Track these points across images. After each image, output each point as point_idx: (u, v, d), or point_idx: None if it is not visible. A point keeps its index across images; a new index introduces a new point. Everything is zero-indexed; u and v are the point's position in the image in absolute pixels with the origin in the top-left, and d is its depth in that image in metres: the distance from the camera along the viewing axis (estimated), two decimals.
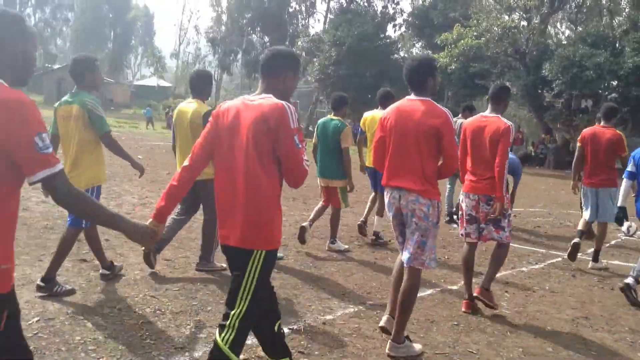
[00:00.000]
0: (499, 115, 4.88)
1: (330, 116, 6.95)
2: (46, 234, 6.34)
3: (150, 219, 2.81)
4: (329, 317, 4.50)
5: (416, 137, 3.73)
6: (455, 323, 4.63)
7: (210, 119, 2.90)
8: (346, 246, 6.97)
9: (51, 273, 4.46)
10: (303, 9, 53.32)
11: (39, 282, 4.45)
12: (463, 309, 4.93)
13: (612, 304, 5.54)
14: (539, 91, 27.31)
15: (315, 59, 37.32)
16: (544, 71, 24.38)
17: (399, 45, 39.64)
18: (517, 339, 4.39)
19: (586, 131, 7.02)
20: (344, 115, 7.11)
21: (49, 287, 4.40)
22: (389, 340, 3.84)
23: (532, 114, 30.26)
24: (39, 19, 70.35)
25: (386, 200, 4.01)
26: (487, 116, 4.91)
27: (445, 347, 4.12)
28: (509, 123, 4.77)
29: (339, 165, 6.70)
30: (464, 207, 4.99)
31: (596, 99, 24.74)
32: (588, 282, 6.34)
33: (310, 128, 43.45)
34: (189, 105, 5.50)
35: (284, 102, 2.74)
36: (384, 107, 6.25)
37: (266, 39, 52.48)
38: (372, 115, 7.21)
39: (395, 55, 37.54)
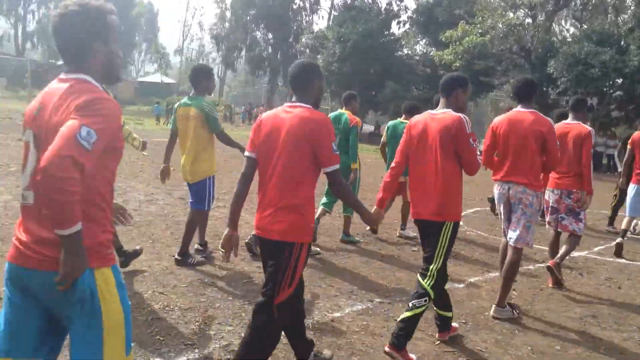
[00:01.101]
0: (580, 122, 5.75)
1: (401, 119, 7.70)
2: None
3: (375, 207, 3.91)
4: (337, 314, 4.51)
5: (526, 141, 4.55)
6: (463, 321, 4.63)
7: (405, 129, 4.00)
8: (415, 234, 7.31)
9: (184, 248, 5.48)
10: (307, 5, 53.38)
11: (176, 256, 5.48)
12: (550, 285, 5.84)
13: (621, 303, 5.54)
14: (544, 89, 27.24)
15: (319, 56, 37.30)
16: (549, 69, 24.34)
17: (403, 43, 39.57)
18: (525, 337, 4.39)
19: (636, 135, 8.28)
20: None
21: (185, 260, 5.43)
22: (494, 305, 4.82)
23: (539, 111, 30.14)
24: (42, 14, 70.23)
25: (496, 192, 4.87)
26: (569, 123, 5.78)
27: (455, 344, 4.12)
28: (590, 128, 5.65)
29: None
30: (549, 201, 5.92)
31: (601, 96, 24.69)
32: (596, 280, 6.33)
33: None
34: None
35: (461, 115, 3.76)
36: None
37: (270, 35, 52.50)
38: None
39: (400, 53, 37.48)
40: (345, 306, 4.73)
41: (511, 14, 28.08)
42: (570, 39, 29.25)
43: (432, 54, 33.02)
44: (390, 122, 7.87)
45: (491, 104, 47.82)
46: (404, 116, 7.73)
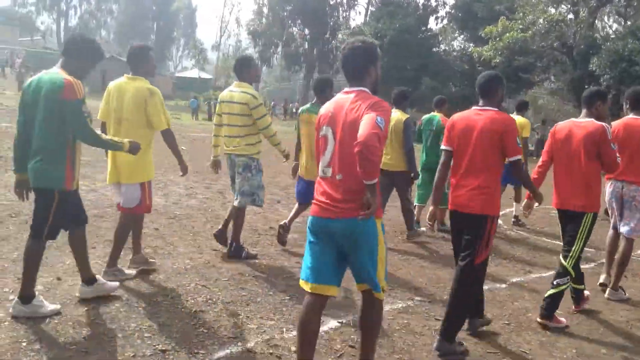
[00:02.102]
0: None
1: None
2: (97, 222, 6.47)
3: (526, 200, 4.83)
4: None
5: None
6: (507, 322, 4.57)
7: (549, 134, 4.77)
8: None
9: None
10: (344, 1, 53.17)
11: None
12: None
13: None
14: (586, 86, 26.59)
15: None
16: (591, 66, 23.77)
17: (440, 39, 39.14)
18: (570, 340, 4.31)
19: None
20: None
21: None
22: (608, 288, 5.51)
23: (577, 110, 29.50)
24: (84, 10, 71.88)
25: (609, 190, 5.46)
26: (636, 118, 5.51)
27: (497, 346, 4.06)
28: None
29: None
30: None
31: None
32: None
33: None
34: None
35: (603, 124, 4.42)
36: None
37: (307, 31, 52.52)
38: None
39: (437, 49, 37.08)
40: (386, 304, 4.67)
41: (553, 10, 27.45)
42: (613, 36, 28.45)
43: (470, 50, 32.55)
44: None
45: (530, 101, 46.96)
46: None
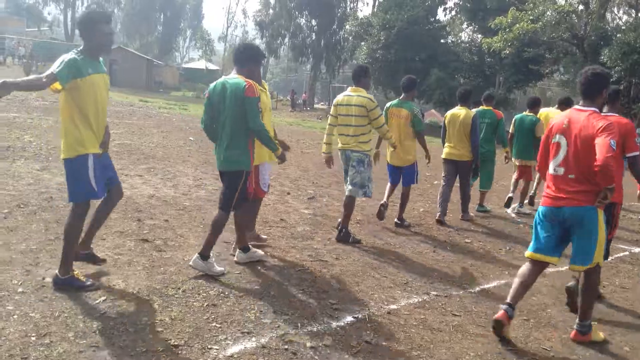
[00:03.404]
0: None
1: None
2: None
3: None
4: (393, 306, 4.39)
5: None
6: (525, 318, 4.46)
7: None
8: (529, 211, 9.21)
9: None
10: None
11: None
12: None
13: None
14: None
15: (363, 43, 36.94)
16: (602, 57, 23.46)
17: (449, 30, 38.80)
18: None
19: None
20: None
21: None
22: None
23: None
24: (91, 1, 71.65)
25: None
26: None
27: (517, 342, 3.95)
28: None
29: (532, 150, 8.43)
30: None
31: None
32: None
33: None
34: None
35: (627, 120, 4.76)
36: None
37: (314, 22, 52.19)
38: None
39: (445, 40, 36.77)
40: (401, 298, 4.60)
41: (563, 1, 27.11)
42: (624, 27, 28.10)
43: (479, 41, 32.24)
44: (517, 115, 9.15)
45: (538, 93, 46.63)
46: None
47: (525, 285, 4.13)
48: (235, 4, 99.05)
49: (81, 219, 4.09)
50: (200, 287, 4.33)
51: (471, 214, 8.41)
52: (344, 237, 6.19)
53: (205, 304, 4.00)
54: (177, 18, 78.76)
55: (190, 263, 4.60)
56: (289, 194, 8.82)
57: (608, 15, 37.00)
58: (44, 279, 4.12)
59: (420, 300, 4.62)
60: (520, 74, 30.34)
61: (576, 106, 4.05)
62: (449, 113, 8.18)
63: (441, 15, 44.31)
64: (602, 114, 4.17)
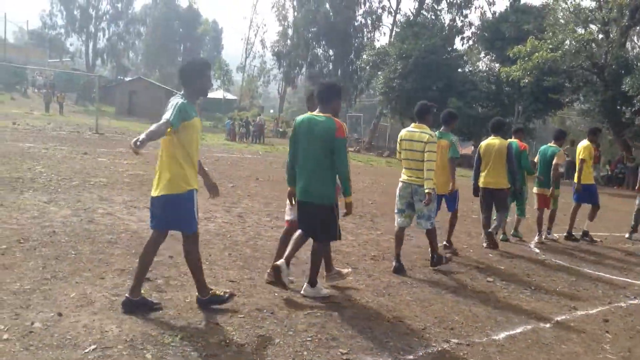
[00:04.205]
0: None
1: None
2: (110, 248, 6.12)
3: None
4: (409, 357, 4.01)
5: None
6: None
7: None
8: (557, 236, 9.64)
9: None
10: (369, 22, 53.13)
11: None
12: None
13: None
14: (618, 107, 25.83)
15: (380, 72, 36.86)
16: (624, 86, 23.01)
17: (466, 59, 38.61)
18: None
19: None
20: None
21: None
22: None
23: (609, 131, 28.62)
24: (112, 32, 73.01)
25: None
26: None
27: None
28: None
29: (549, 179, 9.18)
30: None
31: None
32: None
33: (373, 143, 42.96)
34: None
35: None
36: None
37: (331, 52, 52.49)
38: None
39: (463, 69, 36.56)
40: (418, 347, 4.22)
41: (582, 30, 26.77)
42: None
43: (497, 70, 31.99)
44: (542, 147, 9.47)
45: (557, 123, 46.07)
46: (553, 141, 9.17)
47: None
48: (254, 34, 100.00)
49: (197, 246, 4.65)
50: (199, 334, 4.00)
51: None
52: (438, 261, 6.72)
53: (204, 354, 3.67)
54: (197, 49, 79.85)
55: (302, 292, 5.10)
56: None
57: (628, 44, 36.64)
58: (32, 324, 3.83)
59: (439, 349, 4.23)
60: (540, 103, 29.87)
61: None
62: (483, 143, 8.35)
63: (458, 44, 44.37)
64: None
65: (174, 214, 4.36)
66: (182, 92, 4.44)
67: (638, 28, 32.44)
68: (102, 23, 72.81)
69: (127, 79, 60.89)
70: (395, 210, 6.68)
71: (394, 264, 6.45)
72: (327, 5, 51.08)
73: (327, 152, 4.79)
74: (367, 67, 41.04)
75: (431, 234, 6.62)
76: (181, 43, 79.39)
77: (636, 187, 10.07)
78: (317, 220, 4.98)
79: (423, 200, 6.23)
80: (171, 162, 4.29)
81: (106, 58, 73.67)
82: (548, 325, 5.09)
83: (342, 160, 4.79)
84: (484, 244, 8.33)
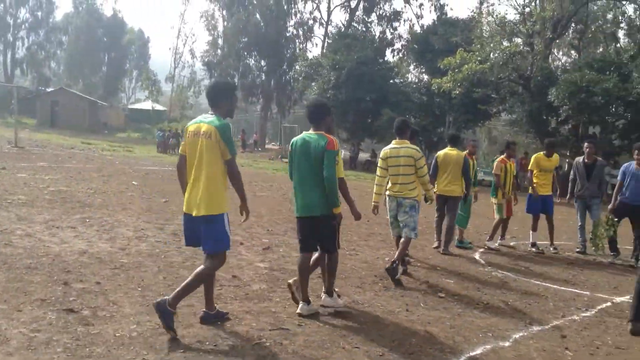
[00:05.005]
0: None
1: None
2: (29, 275, 5.45)
3: None
4: None
5: None
6: None
7: None
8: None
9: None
10: (300, 33, 53.10)
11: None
12: None
13: None
14: (544, 117, 26.74)
15: (313, 83, 36.77)
16: (549, 97, 23.80)
17: (396, 70, 39.15)
18: None
19: None
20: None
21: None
22: None
23: (534, 141, 29.60)
24: (32, 41, 69.51)
25: None
26: None
27: None
28: None
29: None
30: None
31: (604, 125, 24.17)
32: None
33: None
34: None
35: None
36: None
37: (263, 62, 52.09)
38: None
39: (395, 80, 37.02)
40: None
41: (507, 43, 27.60)
42: (569, 67, 28.88)
43: (429, 81, 32.56)
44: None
45: (485, 133, 47.47)
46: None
47: None
48: (182, 44, 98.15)
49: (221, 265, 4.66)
50: None
51: (451, 250, 8.88)
52: (394, 271, 6.58)
53: None
54: (122, 58, 77.27)
55: (321, 303, 5.21)
56: (241, 244, 8.00)
57: (554, 56, 38.26)
58: None
59: None
60: (470, 114, 30.57)
61: None
62: (441, 153, 8.81)
63: (389, 56, 45.01)
64: None
65: (211, 233, 4.41)
66: (212, 112, 4.52)
67: (560, 41, 33.92)
68: (21, 32, 69.10)
69: (49, 89, 58.12)
70: (389, 222, 7.21)
71: (400, 268, 6.74)
72: (258, 16, 50.65)
73: (321, 165, 4.98)
74: (300, 78, 40.88)
75: (407, 244, 6.88)
76: (105, 52, 76.51)
77: (566, 198, 10.13)
78: (323, 232, 5.10)
79: (408, 212, 6.78)
80: (217, 182, 4.40)
81: (26, 68, 69.91)
82: (507, 343, 4.85)
83: (329, 169, 4.95)
84: (434, 245, 9.01)
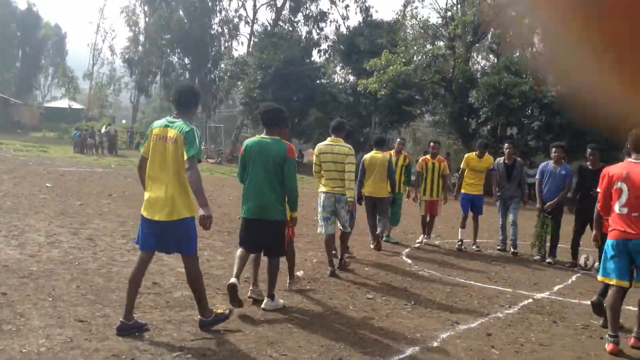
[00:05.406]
0: None
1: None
2: None
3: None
4: None
5: None
6: None
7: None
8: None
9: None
10: (226, 31, 52.35)
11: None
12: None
13: (610, 358, 4.86)
14: (465, 118, 27.55)
15: (239, 82, 36.28)
16: (470, 99, 24.53)
17: (323, 71, 39.29)
18: None
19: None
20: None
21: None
22: None
23: (455, 142, 30.46)
24: None
25: None
26: None
27: None
28: None
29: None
30: None
31: (521, 126, 25.16)
32: (573, 329, 5.64)
33: (235, 154, 42.14)
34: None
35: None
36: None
37: (187, 60, 51.00)
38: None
39: (322, 80, 37.11)
40: None
41: (430, 46, 28.24)
42: (489, 71, 29.88)
43: (355, 81, 32.84)
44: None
45: (409, 134, 48.47)
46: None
47: (617, 310, 4.96)
48: (101, 40, 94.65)
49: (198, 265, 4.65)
50: None
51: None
52: (343, 266, 7.29)
53: None
54: (37, 54, 73.45)
55: (263, 306, 5.22)
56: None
57: (475, 59, 39.51)
58: None
59: None
60: (395, 115, 31.06)
61: (630, 159, 5.03)
62: (367, 156, 8.89)
63: (316, 56, 45.12)
64: None
65: (181, 236, 4.43)
66: (178, 114, 4.50)
67: (480, 45, 35.08)
68: None
69: None
70: (320, 220, 7.09)
71: (329, 269, 7.01)
72: (181, 12, 49.52)
73: (279, 171, 5.12)
74: (226, 77, 40.26)
75: (347, 237, 7.51)
76: (19, 48, 72.56)
77: (493, 197, 10.35)
78: (271, 236, 5.23)
79: (345, 208, 6.94)
80: (184, 185, 4.37)
81: None
82: (435, 344, 4.83)
83: (292, 177, 5.15)
84: (372, 246, 9.04)
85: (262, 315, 5.12)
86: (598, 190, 5.41)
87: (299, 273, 6.68)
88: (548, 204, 9.00)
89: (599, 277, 5.20)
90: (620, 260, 4.90)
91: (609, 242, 5.02)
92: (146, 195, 4.46)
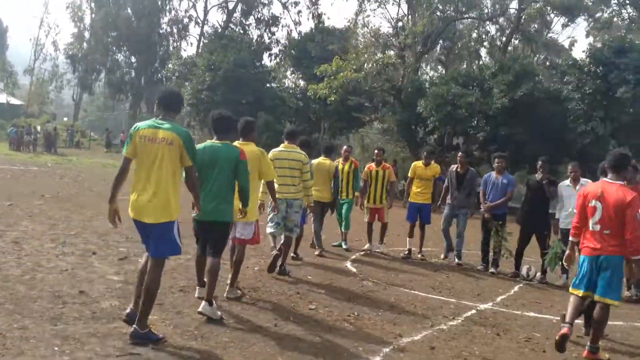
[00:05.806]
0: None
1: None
2: None
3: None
4: None
5: None
6: None
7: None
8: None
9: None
10: (175, 31, 51.37)
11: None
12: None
13: None
14: (413, 127, 27.77)
15: (187, 83, 35.58)
16: (418, 108, 24.70)
17: (273, 75, 39.03)
18: None
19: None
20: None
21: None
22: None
23: (403, 150, 30.68)
24: None
25: None
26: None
27: None
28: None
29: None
30: None
31: (466, 136, 25.53)
32: (516, 342, 5.56)
33: None
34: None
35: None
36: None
37: (133, 59, 49.76)
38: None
39: (272, 84, 36.85)
40: None
41: (380, 54, 28.39)
42: (437, 81, 30.27)
43: (305, 87, 32.70)
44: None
45: (358, 140, 48.71)
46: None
47: (579, 311, 5.33)
48: (44, 35, 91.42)
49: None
50: None
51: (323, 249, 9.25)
52: (283, 272, 7.24)
53: None
54: None
55: (200, 309, 5.04)
56: (94, 253, 7.21)
57: (424, 69, 40.05)
58: None
59: None
60: (344, 121, 31.10)
61: (605, 179, 5.32)
62: (315, 162, 8.98)
63: (267, 60, 44.79)
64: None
65: (166, 238, 4.40)
66: (164, 118, 4.49)
67: (428, 55, 35.60)
68: None
69: None
70: (270, 224, 7.29)
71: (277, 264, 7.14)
72: (129, 10, 48.28)
73: (231, 174, 5.28)
74: (174, 77, 39.45)
75: (291, 242, 7.61)
76: None
77: (437, 204, 10.32)
78: (218, 237, 5.32)
79: (298, 212, 7.38)
80: (176, 188, 4.44)
81: None
82: (378, 358, 4.64)
83: (245, 178, 5.36)
84: (316, 253, 9.04)
85: (196, 329, 4.81)
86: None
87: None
88: (484, 207, 9.14)
89: (570, 289, 5.42)
90: (591, 275, 5.19)
91: (581, 257, 5.33)
92: (133, 196, 4.41)
